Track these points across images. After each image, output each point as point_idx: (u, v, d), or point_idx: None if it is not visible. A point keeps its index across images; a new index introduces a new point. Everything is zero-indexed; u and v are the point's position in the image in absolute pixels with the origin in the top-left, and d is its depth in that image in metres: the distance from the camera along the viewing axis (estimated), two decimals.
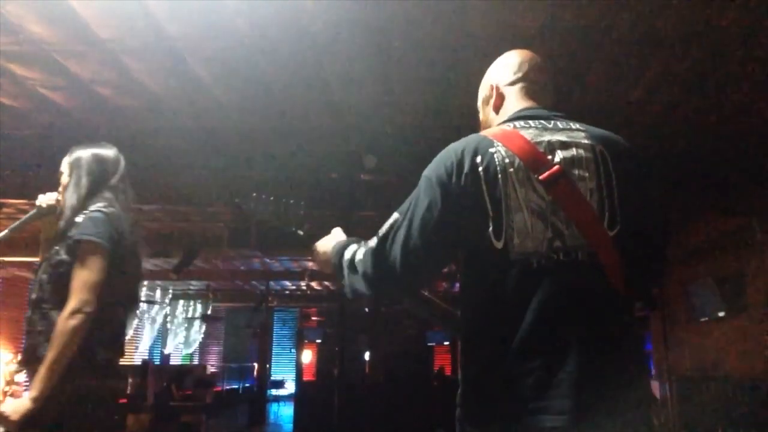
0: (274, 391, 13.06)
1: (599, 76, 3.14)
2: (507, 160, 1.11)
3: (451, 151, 1.16)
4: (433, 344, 12.08)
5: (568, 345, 1.02)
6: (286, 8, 2.57)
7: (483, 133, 1.21)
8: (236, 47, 2.88)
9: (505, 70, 1.34)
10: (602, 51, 2.90)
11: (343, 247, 1.27)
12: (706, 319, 5.68)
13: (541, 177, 1.09)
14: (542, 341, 1.03)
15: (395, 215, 1.17)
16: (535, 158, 1.11)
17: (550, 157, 1.12)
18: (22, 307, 8.05)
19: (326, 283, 10.10)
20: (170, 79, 3.16)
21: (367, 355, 9.97)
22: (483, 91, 1.39)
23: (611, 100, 3.38)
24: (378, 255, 1.14)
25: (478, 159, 1.11)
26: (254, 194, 1.52)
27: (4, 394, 7.32)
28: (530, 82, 1.31)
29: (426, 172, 1.16)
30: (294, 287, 11.05)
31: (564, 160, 1.12)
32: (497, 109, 1.34)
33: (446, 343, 12.16)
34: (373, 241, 1.17)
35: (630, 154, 1.18)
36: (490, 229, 1.07)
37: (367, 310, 9.98)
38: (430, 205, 1.11)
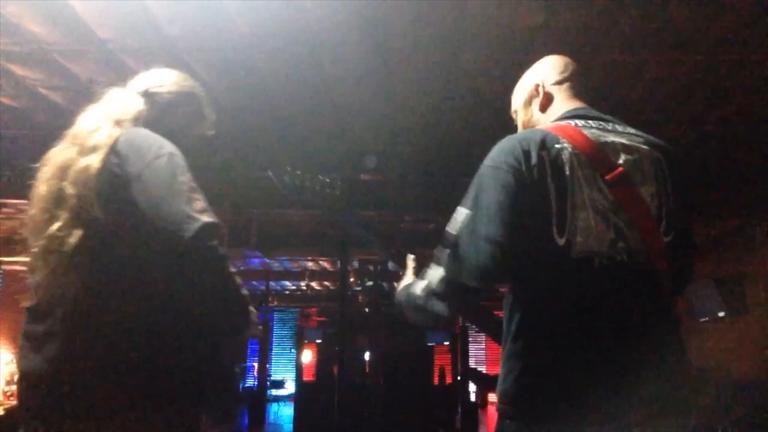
0: (274, 391, 13.05)
1: (599, 76, 3.14)
2: (574, 157, 1.09)
3: (515, 141, 1.12)
4: (433, 344, 12.06)
5: (622, 345, 1.02)
6: (285, 8, 2.57)
7: (544, 127, 1.18)
8: (236, 47, 2.88)
9: (550, 70, 1.34)
10: (602, 51, 2.90)
11: (412, 289, 1.20)
12: (706, 319, 5.68)
13: (606, 177, 1.08)
14: (597, 339, 1.03)
15: (461, 211, 1.11)
16: (599, 158, 1.10)
17: (613, 158, 1.12)
18: (22, 307, 8.04)
19: (326, 283, 10.11)
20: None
21: (367, 355, 9.96)
22: (524, 91, 1.37)
23: (611, 100, 3.38)
24: (460, 257, 1.07)
25: (545, 152, 1.08)
26: (288, 168, 1.48)
27: (4, 394, 7.32)
28: (577, 82, 1.31)
29: (489, 162, 1.12)
30: (294, 287, 11.05)
31: (626, 162, 1.12)
32: (544, 108, 1.31)
33: (446, 343, 12.15)
34: (444, 250, 1.11)
35: (680, 162, 1.18)
36: (554, 224, 1.05)
37: (367, 310, 9.98)
38: (502, 196, 1.06)
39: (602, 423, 0.99)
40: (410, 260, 1.41)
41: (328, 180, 1.45)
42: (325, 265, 8.74)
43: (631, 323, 1.04)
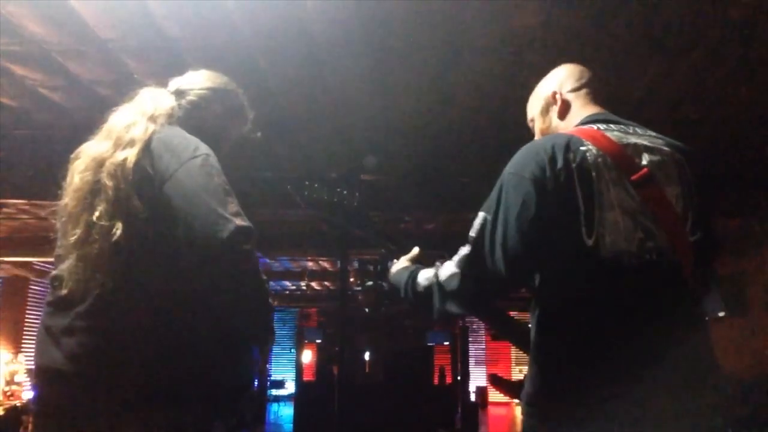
0: (274, 391, 13.05)
1: (599, 76, 3.14)
2: (599, 159, 1.11)
3: (539, 146, 1.14)
4: (433, 344, 12.07)
5: (650, 344, 1.04)
6: (285, 8, 2.57)
7: (568, 131, 1.20)
8: (236, 47, 2.88)
9: (567, 78, 1.37)
10: (602, 51, 2.90)
11: (413, 274, 1.24)
12: (706, 319, 5.67)
13: (632, 178, 1.10)
14: (629, 340, 1.04)
15: (482, 215, 1.14)
16: (624, 159, 1.12)
17: (637, 159, 1.13)
18: (22, 307, 8.05)
19: (326, 283, 10.10)
20: (170, 79, 3.15)
21: (367, 355, 9.97)
22: (541, 100, 1.40)
23: (611, 100, 3.38)
24: (475, 261, 1.10)
25: (571, 156, 1.10)
26: (307, 182, 1.48)
27: (4, 394, 7.32)
28: (594, 89, 1.35)
29: (512, 169, 1.14)
30: (294, 287, 11.05)
31: (651, 163, 1.14)
32: (562, 115, 1.34)
33: (446, 343, 12.15)
34: (462, 251, 1.13)
35: (700, 164, 1.21)
36: (582, 226, 1.07)
37: (367, 310, 9.99)
38: (525, 201, 1.08)
39: (631, 423, 1.00)
40: (415, 249, 1.42)
41: (345, 192, 1.45)
42: (325, 265, 8.74)
43: (659, 322, 1.06)
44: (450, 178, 4.39)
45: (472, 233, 1.13)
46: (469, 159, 4.28)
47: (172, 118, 1.40)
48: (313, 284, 9.86)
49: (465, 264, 1.12)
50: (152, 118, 1.35)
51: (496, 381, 1.37)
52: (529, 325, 1.22)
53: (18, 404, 6.83)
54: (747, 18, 2.61)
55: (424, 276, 1.21)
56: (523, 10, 2.57)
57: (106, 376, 1.16)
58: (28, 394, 7.24)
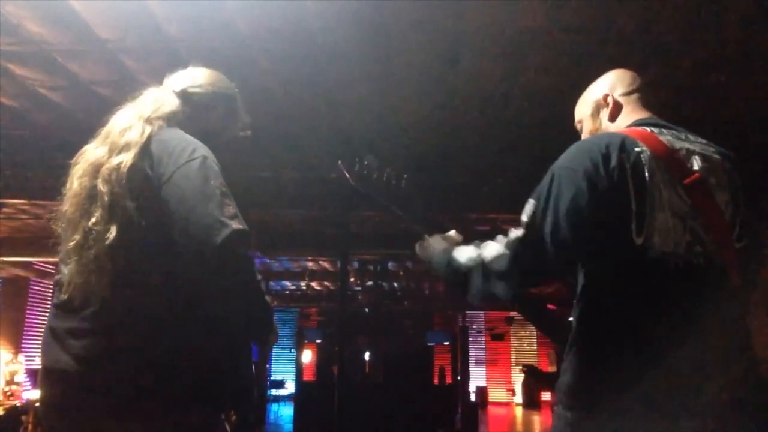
0: (274, 391, 13.06)
1: (599, 76, 3.14)
2: (653, 161, 1.13)
3: (594, 143, 1.16)
4: (433, 344, 12.07)
5: (692, 345, 1.05)
6: (285, 8, 2.57)
7: (622, 131, 1.22)
8: (236, 47, 2.88)
9: (619, 82, 1.40)
10: (602, 51, 2.90)
11: (451, 251, 1.26)
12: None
13: (685, 181, 1.13)
14: (673, 340, 1.06)
15: (532, 203, 1.15)
16: (677, 163, 1.15)
17: (688, 164, 1.16)
18: (22, 307, 8.05)
19: (326, 283, 10.11)
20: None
21: (367, 355, 9.97)
22: (592, 102, 1.42)
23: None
24: (527, 243, 1.12)
25: (625, 155, 1.12)
26: (357, 159, 1.49)
27: (4, 394, 7.32)
28: (644, 93, 1.37)
29: (565, 163, 1.16)
30: (294, 287, 11.05)
31: (702, 168, 1.16)
32: (613, 117, 1.36)
33: (446, 343, 12.15)
34: (513, 233, 1.15)
35: (742, 171, 1.25)
36: (633, 224, 1.08)
37: (367, 310, 9.98)
38: (576, 195, 1.10)
39: (671, 417, 1.03)
40: (453, 232, 1.43)
41: (394, 172, 1.46)
42: (325, 265, 8.74)
43: (703, 325, 1.07)
44: (450, 178, 4.39)
45: (524, 217, 1.15)
46: (469, 159, 4.28)
47: (173, 120, 1.39)
48: (313, 284, 9.87)
49: (516, 246, 1.14)
50: (149, 121, 1.34)
51: (531, 372, 1.40)
52: (570, 319, 1.23)
53: (18, 404, 6.83)
54: (747, 18, 2.61)
55: (466, 254, 1.22)
56: (524, 10, 2.57)
57: (110, 378, 1.17)
58: (28, 394, 7.24)
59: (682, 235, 1.10)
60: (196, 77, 1.54)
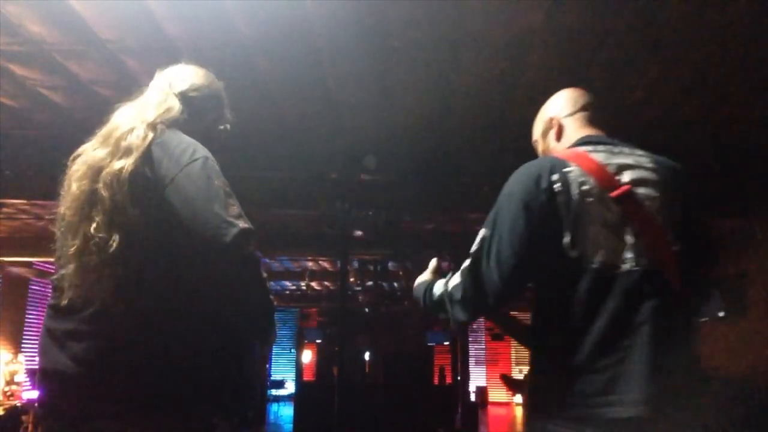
0: (274, 391, 13.05)
1: (599, 76, 3.14)
2: (581, 179, 1.22)
3: (527, 170, 1.27)
4: (433, 344, 12.07)
5: (636, 345, 1.13)
6: (285, 8, 2.57)
7: (555, 154, 1.35)
8: (236, 47, 2.88)
9: (563, 104, 1.49)
10: (602, 51, 2.90)
11: (429, 286, 1.39)
12: (706, 319, 5.68)
13: (612, 195, 1.21)
14: (613, 342, 1.14)
15: (483, 232, 1.26)
16: (606, 178, 1.23)
17: (618, 177, 1.25)
18: (22, 307, 8.05)
19: (326, 283, 10.11)
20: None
21: (367, 355, 9.97)
22: (541, 124, 1.53)
23: (611, 100, 3.38)
24: (474, 273, 1.23)
25: (555, 177, 1.22)
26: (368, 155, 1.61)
27: (4, 394, 7.32)
28: (588, 113, 1.46)
29: (506, 189, 1.27)
30: (294, 287, 11.05)
31: (632, 180, 1.24)
32: (558, 138, 1.47)
33: (446, 343, 12.15)
34: (465, 264, 1.26)
35: (686, 179, 1.32)
36: (567, 240, 1.18)
37: (367, 310, 9.98)
38: (514, 219, 1.21)
39: (621, 424, 1.10)
40: (433, 261, 1.57)
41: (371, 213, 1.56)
42: (325, 265, 8.74)
43: (642, 324, 1.15)
44: (449, 178, 4.39)
45: (473, 248, 1.26)
46: (468, 159, 4.28)
47: (174, 123, 1.39)
48: (313, 284, 9.87)
49: (466, 275, 1.25)
50: (152, 126, 1.33)
51: (507, 381, 1.51)
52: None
53: (18, 404, 6.83)
54: (747, 18, 2.61)
55: (438, 287, 1.35)
56: (524, 10, 2.57)
57: (111, 379, 1.17)
58: (28, 394, 7.24)
59: (615, 244, 1.18)
60: (194, 79, 1.54)
